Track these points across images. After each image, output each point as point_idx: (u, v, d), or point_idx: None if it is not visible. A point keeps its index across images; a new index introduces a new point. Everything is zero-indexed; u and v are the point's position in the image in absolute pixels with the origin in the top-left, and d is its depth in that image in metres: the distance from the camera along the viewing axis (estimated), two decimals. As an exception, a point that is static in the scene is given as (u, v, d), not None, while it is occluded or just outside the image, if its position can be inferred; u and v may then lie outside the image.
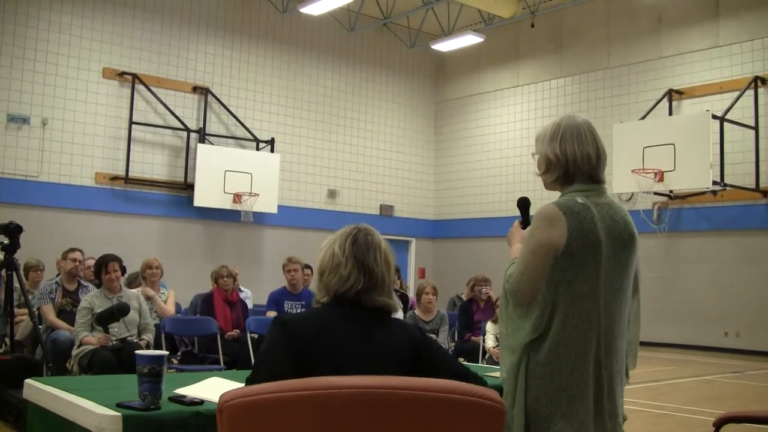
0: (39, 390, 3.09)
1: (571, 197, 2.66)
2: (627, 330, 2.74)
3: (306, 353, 2.19)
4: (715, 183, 13.79)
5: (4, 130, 13.87)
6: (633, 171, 14.18)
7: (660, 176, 14.17)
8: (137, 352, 2.75)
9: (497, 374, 3.82)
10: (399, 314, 7.15)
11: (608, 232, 2.62)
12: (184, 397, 2.84)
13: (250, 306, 9.10)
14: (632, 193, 14.38)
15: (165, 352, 2.83)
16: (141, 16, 15.49)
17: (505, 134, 18.57)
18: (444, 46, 17.94)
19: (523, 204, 2.94)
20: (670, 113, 15.35)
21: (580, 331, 2.57)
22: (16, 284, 6.94)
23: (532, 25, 17.08)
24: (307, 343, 2.21)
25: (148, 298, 7.57)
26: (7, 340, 6.85)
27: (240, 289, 9.04)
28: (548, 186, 2.79)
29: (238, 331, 7.74)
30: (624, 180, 14.12)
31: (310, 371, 2.08)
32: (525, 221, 2.86)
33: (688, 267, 15.05)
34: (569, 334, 2.57)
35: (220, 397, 1.81)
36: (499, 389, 2.70)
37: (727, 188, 14.07)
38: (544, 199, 2.98)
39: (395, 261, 2.50)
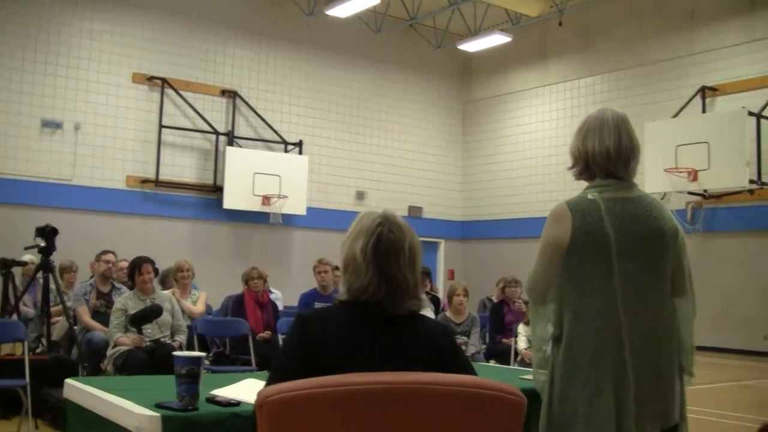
0: (78, 390, 3.12)
1: (583, 194, 2.68)
2: (673, 330, 2.66)
3: (317, 352, 2.13)
4: (751, 182, 13.59)
5: (39, 134, 14.06)
6: (666, 170, 14.03)
7: (694, 175, 14.01)
8: (175, 353, 2.76)
9: (530, 377, 3.80)
10: (429, 313, 7.10)
11: (621, 228, 2.59)
12: (221, 398, 2.84)
13: (280, 307, 9.11)
14: (665, 193, 14.20)
15: (202, 354, 2.83)
16: (169, 21, 15.60)
17: (533, 134, 18.45)
18: (471, 46, 17.88)
19: None
20: (704, 111, 15.12)
21: (593, 329, 2.56)
22: (52, 285, 7.02)
23: (560, 24, 16.92)
24: (319, 344, 2.15)
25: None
26: (44, 340, 6.94)
27: (270, 291, 9.06)
28: (577, 178, 2.81)
29: (269, 332, 7.74)
30: (657, 179, 13.96)
31: (320, 372, 2.03)
32: None
33: (723, 268, 14.76)
34: (583, 332, 2.56)
35: (260, 392, 1.87)
36: (533, 392, 2.68)
37: (765, 187, 13.83)
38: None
39: (422, 256, 2.37)
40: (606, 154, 2.65)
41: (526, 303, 8.37)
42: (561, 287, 2.60)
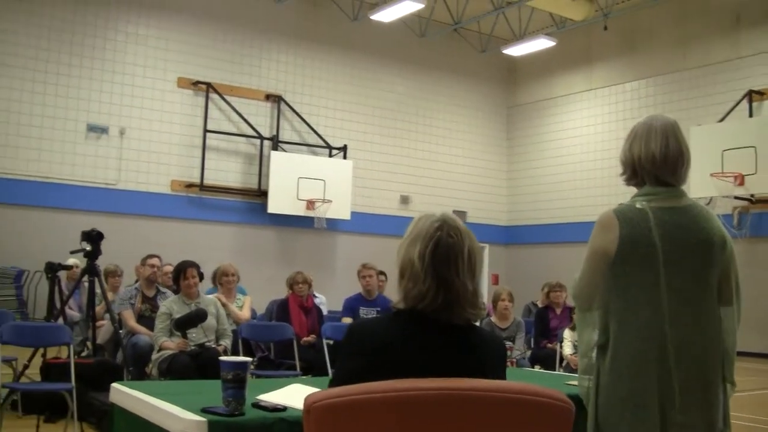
0: (125, 394, 3.14)
1: (632, 202, 2.66)
2: (718, 340, 2.63)
3: (371, 364, 2.06)
4: (800, 186, 13.34)
5: (84, 139, 14.28)
6: (712, 175, 13.81)
7: (740, 180, 13.80)
8: (221, 358, 2.76)
9: (576, 382, 3.75)
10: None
11: (668, 238, 2.56)
12: (267, 403, 2.84)
13: (324, 312, 9.11)
14: (711, 198, 13.99)
15: (248, 359, 2.83)
16: (214, 26, 15.76)
17: (578, 138, 18.29)
18: (515, 50, 17.83)
19: None
20: (751, 115, 14.88)
21: (639, 339, 2.54)
22: (98, 289, 7.09)
23: (605, 28, 16.73)
24: (372, 355, 2.08)
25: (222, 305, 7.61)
26: (89, 344, 7.01)
27: (315, 295, 9.06)
28: (627, 185, 2.80)
29: (313, 336, 7.75)
30: (702, 184, 13.75)
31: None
32: None
33: (770, 273, 14.51)
34: (628, 341, 2.55)
35: (307, 398, 1.86)
36: (579, 398, 2.66)
37: (813, 192, 13.58)
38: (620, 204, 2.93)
39: (482, 261, 2.26)
40: (652, 160, 2.64)
41: (571, 309, 8.28)
42: (607, 296, 2.60)
